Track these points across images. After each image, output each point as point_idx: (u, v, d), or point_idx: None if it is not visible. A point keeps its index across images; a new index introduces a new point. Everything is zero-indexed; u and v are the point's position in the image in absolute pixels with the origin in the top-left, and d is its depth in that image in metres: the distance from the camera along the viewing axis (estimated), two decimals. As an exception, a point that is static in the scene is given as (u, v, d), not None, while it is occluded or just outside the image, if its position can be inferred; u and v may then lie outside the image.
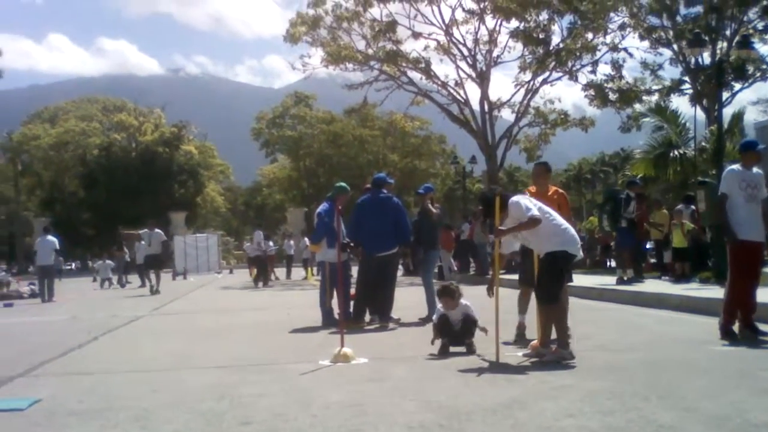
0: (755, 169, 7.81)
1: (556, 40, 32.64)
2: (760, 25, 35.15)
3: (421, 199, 11.52)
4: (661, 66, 35.25)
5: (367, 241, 10.41)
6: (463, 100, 34.18)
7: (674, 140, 23.28)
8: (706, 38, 27.61)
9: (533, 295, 7.49)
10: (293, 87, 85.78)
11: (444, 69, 66.06)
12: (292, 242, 34.35)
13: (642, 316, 10.45)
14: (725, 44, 32.90)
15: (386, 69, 34.49)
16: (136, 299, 19.51)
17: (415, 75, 35.11)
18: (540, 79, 33.50)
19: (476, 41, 33.55)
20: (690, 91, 33.86)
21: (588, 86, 33.14)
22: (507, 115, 35.56)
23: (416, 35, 33.97)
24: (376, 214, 10.37)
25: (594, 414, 4.48)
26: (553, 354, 6.56)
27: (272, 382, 5.99)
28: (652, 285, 14.43)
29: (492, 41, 33.40)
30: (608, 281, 15.22)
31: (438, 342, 7.23)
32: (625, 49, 33.37)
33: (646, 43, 34.53)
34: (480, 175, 49.50)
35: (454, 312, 7.25)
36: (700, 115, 29.32)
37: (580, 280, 15.00)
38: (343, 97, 40.70)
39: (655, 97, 33.79)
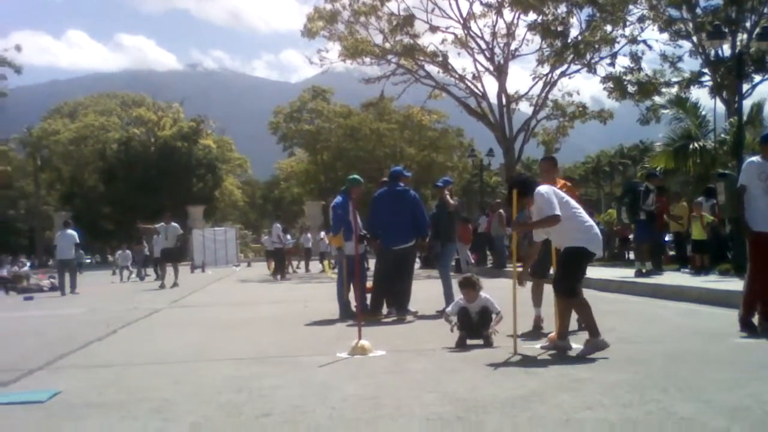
0: (775, 161, 7.72)
1: (574, 32, 32.34)
2: (780, 17, 34.82)
3: (439, 191, 11.48)
4: (680, 58, 34.87)
5: (384, 234, 10.42)
6: (480, 94, 33.98)
7: (694, 132, 23.11)
8: (726, 30, 27.27)
9: (545, 287, 7.47)
10: (310, 81, 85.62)
11: (461, 62, 66.12)
12: (309, 235, 34.44)
13: (661, 309, 10.40)
14: (745, 36, 32.47)
15: (403, 63, 34.34)
16: (154, 292, 19.61)
17: (432, 68, 34.95)
18: (558, 71, 33.21)
19: (494, 34, 33.30)
20: (710, 83, 33.49)
21: (606, 79, 32.86)
22: (525, 108, 35.31)
23: (434, 29, 33.79)
24: (393, 207, 10.37)
25: (613, 406, 4.47)
26: (589, 346, 6.39)
27: (290, 375, 6.01)
28: (671, 277, 14.35)
29: (510, 34, 33.15)
30: (627, 274, 15.15)
31: (456, 332, 7.23)
32: (644, 42, 33.04)
33: (665, 36, 34.16)
34: (497, 168, 49.33)
35: (473, 305, 7.24)
36: (720, 107, 29.00)
37: (599, 272, 14.97)
38: (361, 91, 40.64)
39: (674, 90, 33.43)
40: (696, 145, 22.57)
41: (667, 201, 17.07)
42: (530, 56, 33.99)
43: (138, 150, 66.02)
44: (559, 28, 31.86)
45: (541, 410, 4.44)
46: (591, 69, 32.66)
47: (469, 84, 34.01)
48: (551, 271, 7.67)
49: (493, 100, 33.90)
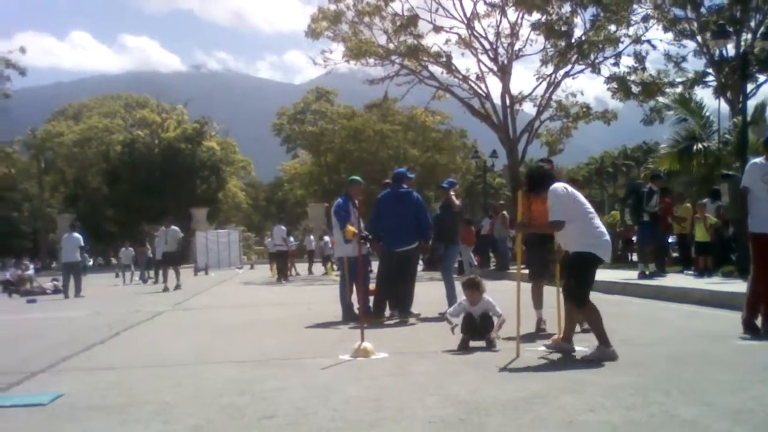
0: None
1: (578, 32, 32.36)
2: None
3: (443, 193, 11.45)
4: (684, 58, 34.81)
5: (387, 235, 10.41)
6: (484, 94, 33.99)
7: (698, 133, 23.05)
8: (731, 30, 27.26)
9: (545, 288, 7.44)
10: (314, 82, 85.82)
11: (465, 63, 66.08)
12: (312, 237, 34.45)
13: (664, 311, 10.39)
14: (750, 36, 32.42)
15: (407, 63, 34.37)
16: (157, 295, 19.63)
17: (436, 69, 34.99)
18: (562, 72, 33.20)
19: (498, 34, 33.31)
20: (714, 84, 33.43)
21: (610, 79, 32.82)
22: (528, 108, 35.27)
23: (437, 29, 33.79)
24: (396, 209, 10.36)
25: (616, 409, 4.46)
26: (597, 352, 6.28)
27: (293, 377, 6.00)
28: (675, 279, 14.34)
29: (514, 34, 33.15)
30: (630, 276, 15.14)
31: (456, 333, 7.21)
32: (649, 41, 33.09)
33: (669, 35, 34.13)
34: (501, 169, 49.24)
35: (476, 308, 7.23)
36: (724, 107, 28.93)
37: (602, 274, 14.92)
38: (364, 93, 40.74)
39: (678, 90, 33.35)
40: (700, 145, 22.52)
41: (671, 202, 17.04)
42: (534, 56, 33.97)
43: (142, 152, 66.08)
44: (563, 28, 31.84)
45: (543, 412, 4.43)
46: (595, 69, 32.62)
47: (473, 84, 34.03)
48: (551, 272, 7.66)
49: (497, 100, 33.93)
